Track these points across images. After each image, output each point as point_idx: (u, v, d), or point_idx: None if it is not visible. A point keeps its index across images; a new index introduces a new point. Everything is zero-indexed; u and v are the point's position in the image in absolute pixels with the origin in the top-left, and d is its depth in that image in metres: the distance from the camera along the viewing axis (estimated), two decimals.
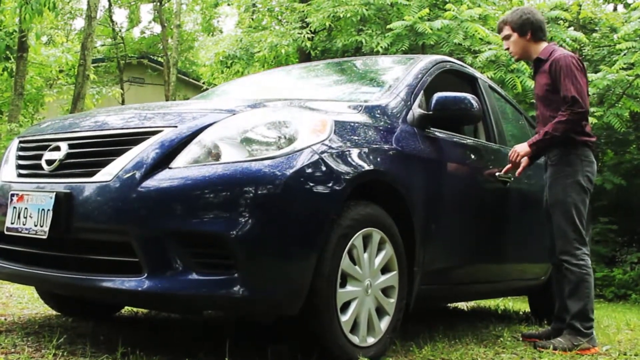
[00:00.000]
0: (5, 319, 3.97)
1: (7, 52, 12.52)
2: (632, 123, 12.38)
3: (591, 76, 9.97)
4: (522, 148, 4.42)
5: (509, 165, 4.51)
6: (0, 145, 11.83)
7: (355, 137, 3.25)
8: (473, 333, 4.61)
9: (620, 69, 10.30)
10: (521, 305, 7.51)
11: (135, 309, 4.58)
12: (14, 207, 3.12)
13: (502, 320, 5.68)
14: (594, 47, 12.53)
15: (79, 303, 4.06)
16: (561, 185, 4.26)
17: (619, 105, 10.84)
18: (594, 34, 12.92)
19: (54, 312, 4.27)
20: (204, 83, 17.18)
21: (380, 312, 3.33)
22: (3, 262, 3.31)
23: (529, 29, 4.46)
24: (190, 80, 25.51)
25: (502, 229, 4.77)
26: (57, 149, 3.17)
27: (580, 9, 12.27)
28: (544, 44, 4.49)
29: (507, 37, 4.58)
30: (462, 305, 7.11)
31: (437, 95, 3.90)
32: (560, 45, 4.59)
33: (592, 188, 4.33)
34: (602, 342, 4.65)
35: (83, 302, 4.05)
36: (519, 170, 4.53)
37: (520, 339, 4.56)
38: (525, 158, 4.47)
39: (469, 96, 3.92)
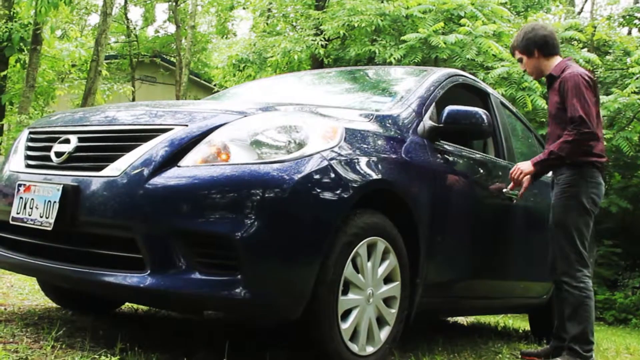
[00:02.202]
0: (5, 309, 3.97)
1: (21, 44, 12.56)
2: None
3: (602, 99, 9.97)
4: (526, 166, 4.36)
5: (512, 184, 4.47)
6: (9, 136, 11.87)
7: (365, 146, 3.25)
8: (472, 348, 4.60)
9: (632, 92, 10.29)
10: (521, 323, 7.50)
11: (135, 306, 4.58)
12: (21, 197, 3.13)
13: (501, 337, 5.67)
14: (607, 69, 12.52)
15: (80, 297, 4.06)
16: (564, 205, 4.23)
17: (629, 129, 10.83)
18: (608, 57, 12.92)
19: (54, 305, 4.27)
20: (215, 85, 17.21)
21: (381, 321, 3.32)
22: (7, 252, 3.31)
23: (534, 47, 4.45)
24: (202, 81, 25.57)
25: (506, 246, 4.75)
26: (67, 141, 3.17)
27: (595, 31, 12.25)
28: (556, 59, 4.45)
29: (520, 61, 4.60)
30: (462, 320, 7.09)
31: (449, 108, 3.89)
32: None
33: (596, 210, 4.29)
34: None
35: (83, 297, 4.04)
36: (521, 190, 4.52)
37: (519, 356, 4.55)
38: (528, 177, 4.44)
39: (480, 111, 3.92)
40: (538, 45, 4.44)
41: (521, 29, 4.63)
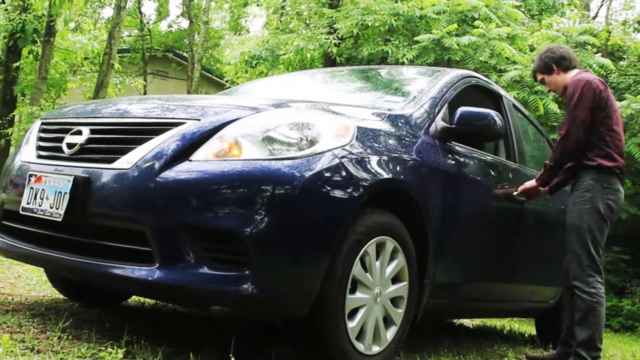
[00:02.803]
0: (13, 299, 3.98)
1: (35, 36, 12.59)
2: None
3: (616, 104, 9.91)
4: (529, 184, 4.50)
5: (521, 188, 4.52)
6: (20, 127, 11.91)
7: (377, 145, 3.24)
8: (477, 351, 4.59)
9: None
10: (527, 327, 7.48)
11: (142, 300, 4.59)
12: (31, 188, 3.13)
13: (507, 341, 5.65)
14: (621, 75, 12.45)
15: (87, 289, 4.07)
16: (578, 210, 4.23)
17: None
18: (622, 62, 12.84)
19: (61, 296, 4.28)
20: (227, 81, 17.20)
21: (388, 321, 3.31)
22: (16, 242, 3.32)
23: (553, 63, 4.55)
24: (214, 77, 25.57)
25: (515, 249, 4.74)
26: (79, 133, 3.18)
27: (609, 36, 12.19)
28: (574, 71, 4.48)
29: (542, 82, 4.69)
30: (468, 322, 7.08)
31: (461, 109, 3.88)
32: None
33: (612, 216, 4.27)
34: None
35: (90, 289, 4.05)
36: (532, 199, 4.60)
37: None
38: (540, 190, 4.51)
39: (492, 113, 3.91)
40: (555, 60, 4.53)
41: (537, 54, 4.77)
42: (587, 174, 4.23)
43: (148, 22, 29.65)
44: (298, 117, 3.02)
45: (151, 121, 3.06)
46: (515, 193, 4.51)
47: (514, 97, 9.91)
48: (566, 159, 4.29)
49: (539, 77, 4.66)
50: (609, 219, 4.25)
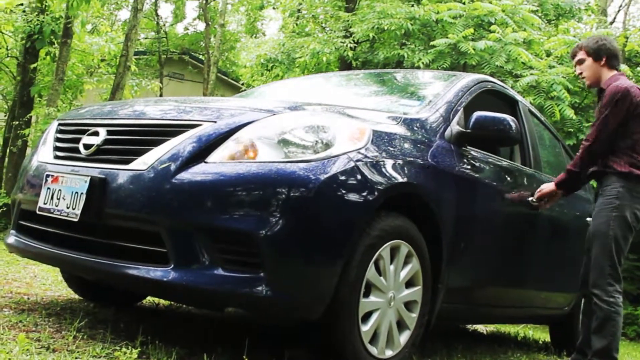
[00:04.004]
0: (29, 299, 4.01)
1: (52, 37, 12.65)
2: None
3: None
4: (547, 187, 4.47)
5: (537, 194, 4.50)
6: (37, 128, 11.96)
7: (392, 148, 3.24)
8: (491, 356, 4.58)
9: None
10: (541, 334, 7.44)
11: (156, 300, 4.61)
12: (48, 188, 3.16)
13: (520, 347, 5.63)
14: (638, 80, 12.38)
15: (102, 289, 4.09)
16: (605, 217, 4.17)
17: None
18: (639, 68, 12.78)
19: (77, 296, 4.31)
20: (242, 84, 17.22)
21: (401, 325, 3.31)
22: (33, 241, 3.35)
23: (605, 54, 4.41)
24: (229, 80, 25.62)
25: (529, 255, 4.72)
26: (96, 134, 3.20)
27: (626, 42, 12.13)
28: (613, 72, 4.43)
29: (580, 62, 4.51)
30: (481, 328, 7.06)
31: (477, 114, 3.87)
32: None
33: (638, 226, 4.24)
34: None
35: (106, 289, 4.07)
36: (548, 204, 4.56)
37: None
38: (557, 193, 4.48)
39: (508, 118, 3.90)
40: (608, 54, 4.42)
41: (593, 36, 4.64)
42: (617, 180, 4.16)
43: (164, 25, 29.76)
44: (313, 120, 3.03)
45: (167, 123, 3.08)
46: (531, 198, 4.49)
47: (530, 103, 9.87)
48: (588, 165, 4.24)
49: (581, 56, 4.50)
50: (635, 228, 4.20)
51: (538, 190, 4.47)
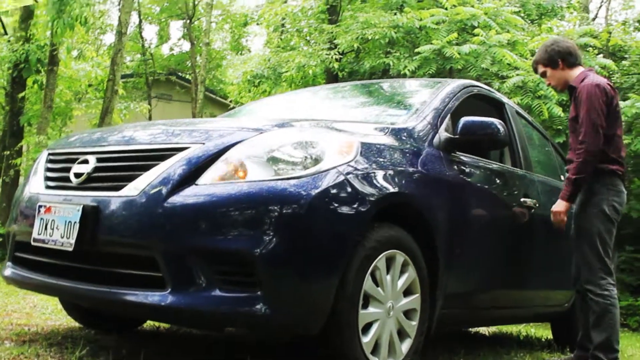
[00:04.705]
0: (29, 329, 4.00)
1: (38, 65, 12.68)
2: None
3: (620, 104, 9.91)
4: (561, 206, 4.33)
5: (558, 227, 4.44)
6: (29, 157, 11.97)
7: (381, 159, 3.26)
8: (494, 358, 4.58)
9: None
10: (543, 331, 7.44)
11: (157, 324, 4.60)
12: (41, 219, 3.16)
13: (524, 347, 5.63)
14: (623, 74, 12.45)
15: (102, 316, 4.09)
16: (586, 214, 4.23)
17: None
18: (624, 62, 12.85)
19: (77, 324, 4.30)
20: (231, 101, 17.27)
21: (402, 334, 3.32)
22: (29, 273, 3.35)
23: (558, 57, 4.44)
24: (218, 98, 25.63)
25: (526, 255, 4.73)
26: (86, 162, 3.21)
27: (610, 37, 12.21)
28: (579, 69, 4.46)
29: (544, 75, 4.58)
30: (484, 330, 7.06)
31: (464, 119, 3.89)
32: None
33: (618, 218, 4.28)
34: None
35: (106, 315, 4.07)
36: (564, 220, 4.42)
37: None
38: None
39: (495, 121, 3.92)
40: (562, 55, 4.45)
41: (542, 45, 4.64)
42: (591, 177, 4.22)
43: (150, 47, 29.76)
44: (301, 136, 3.05)
45: (156, 147, 3.09)
46: (523, 199, 4.51)
47: (518, 103, 9.91)
48: (591, 167, 4.18)
49: (541, 69, 4.57)
50: (616, 220, 4.25)
51: (553, 215, 4.37)
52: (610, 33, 12.47)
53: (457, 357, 4.27)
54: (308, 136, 3.06)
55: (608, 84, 4.29)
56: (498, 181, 4.42)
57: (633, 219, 11.40)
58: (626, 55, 12.95)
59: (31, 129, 13.83)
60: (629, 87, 11.99)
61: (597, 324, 4.15)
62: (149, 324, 4.60)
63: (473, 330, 6.88)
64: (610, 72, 11.55)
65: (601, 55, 11.86)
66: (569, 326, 5.57)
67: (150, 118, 22.26)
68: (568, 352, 5.20)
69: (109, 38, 35.02)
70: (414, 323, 3.38)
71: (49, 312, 4.90)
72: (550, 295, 5.30)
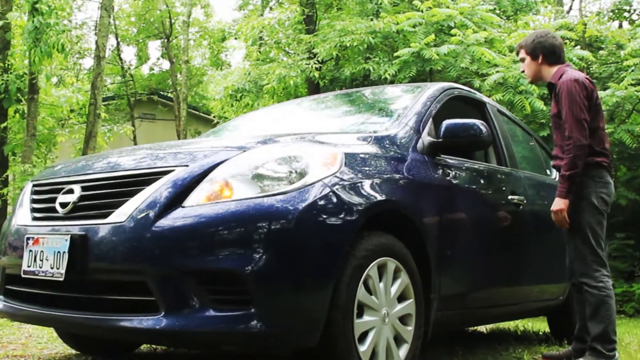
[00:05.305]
0: None
1: (19, 95, 12.65)
2: None
3: (600, 94, 9.96)
4: (560, 204, 4.24)
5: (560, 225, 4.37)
6: (15, 186, 11.92)
7: (366, 169, 3.27)
8: (493, 356, 4.59)
9: (628, 85, 10.29)
10: (540, 325, 7.46)
11: (154, 346, 4.59)
12: (30, 251, 3.16)
13: (521, 342, 5.64)
14: (601, 64, 12.52)
15: (98, 342, 4.08)
16: (575, 207, 4.24)
17: (629, 121, 10.82)
18: (601, 52, 12.92)
19: (74, 351, 4.28)
20: (214, 117, 17.27)
21: (399, 340, 3.32)
22: (22, 305, 3.34)
23: (540, 52, 4.47)
24: (201, 114, 25.63)
25: (517, 251, 4.75)
26: (71, 191, 3.21)
27: (585, 28, 12.28)
28: (556, 67, 4.48)
29: (522, 60, 4.60)
30: (481, 327, 7.06)
31: (446, 122, 3.91)
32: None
33: (607, 209, 4.30)
34: None
35: (102, 341, 4.06)
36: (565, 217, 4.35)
37: None
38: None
39: (477, 122, 3.93)
40: (545, 51, 4.47)
41: (534, 32, 4.65)
42: None
43: (129, 68, 29.75)
44: (285, 152, 3.06)
45: (141, 172, 3.09)
46: (510, 197, 4.53)
47: (500, 99, 9.96)
48: (582, 160, 4.16)
49: (522, 54, 4.58)
50: (605, 211, 4.27)
51: (553, 214, 4.36)
52: (585, 25, 12.54)
53: (457, 359, 4.27)
54: (291, 151, 3.07)
55: (587, 78, 4.32)
56: (484, 181, 4.44)
57: (622, 207, 11.45)
58: (603, 46, 13.02)
59: (16, 158, 13.79)
60: (607, 77, 12.05)
61: (593, 315, 4.17)
62: (146, 345, 4.58)
63: (470, 328, 6.89)
64: (589, 63, 11.62)
65: (578, 47, 11.91)
66: (565, 319, 5.58)
67: (134, 139, 22.25)
68: (566, 345, 5.21)
69: (88, 62, 34.97)
70: (410, 328, 3.39)
71: (44, 341, 4.88)
72: (545, 289, 5.31)
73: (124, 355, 4.21)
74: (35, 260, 3.12)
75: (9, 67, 12.76)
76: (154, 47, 45.78)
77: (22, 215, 3.52)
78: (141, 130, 24.05)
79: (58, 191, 3.29)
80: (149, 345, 4.60)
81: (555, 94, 4.33)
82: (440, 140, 3.89)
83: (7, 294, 3.51)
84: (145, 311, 2.81)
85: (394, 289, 3.29)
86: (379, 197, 3.21)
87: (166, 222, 2.81)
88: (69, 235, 2.98)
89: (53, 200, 3.28)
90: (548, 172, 5.79)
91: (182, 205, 2.85)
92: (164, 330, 2.74)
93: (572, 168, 4.15)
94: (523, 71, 4.64)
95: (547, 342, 5.62)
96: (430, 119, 4.08)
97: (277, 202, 2.81)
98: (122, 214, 2.91)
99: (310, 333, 2.87)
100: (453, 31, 11.15)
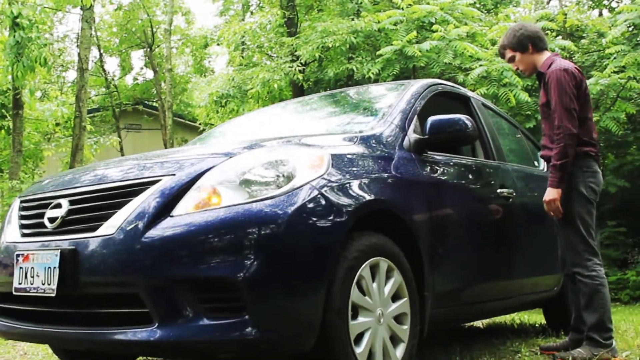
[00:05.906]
0: None
1: (3, 111, 12.60)
2: (629, 125, 12.39)
3: None
4: (552, 194, 4.24)
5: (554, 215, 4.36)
6: (3, 203, 11.87)
7: (354, 169, 3.26)
8: (490, 351, 4.59)
9: (611, 72, 10.34)
10: (536, 317, 7.47)
11: (149, 358, 4.56)
12: (21, 268, 3.13)
13: (518, 335, 5.65)
14: (584, 53, 12.58)
15: (94, 356, 4.05)
16: (564, 198, 4.24)
17: (615, 109, 10.87)
18: (582, 41, 12.98)
19: None
20: (200, 124, 17.25)
21: (395, 340, 3.31)
22: (15, 323, 3.32)
23: (528, 41, 4.47)
24: (187, 122, 25.61)
25: (509, 245, 4.75)
26: (59, 206, 3.19)
27: (566, 18, 12.33)
28: (546, 54, 4.50)
29: (511, 59, 4.59)
30: (477, 322, 7.07)
31: (431, 119, 3.90)
32: None
33: (596, 198, 4.31)
34: (622, 347, 4.61)
35: (97, 355, 4.03)
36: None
37: (539, 352, 4.53)
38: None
39: (462, 117, 3.93)
40: (531, 40, 4.48)
41: (509, 29, 4.64)
42: None
43: (113, 79, 29.66)
44: (271, 156, 3.05)
45: (128, 183, 3.07)
46: (499, 190, 4.53)
47: (484, 93, 9.98)
48: (572, 149, 4.17)
49: (509, 54, 4.57)
50: (594, 200, 4.28)
51: (546, 205, 4.30)
52: (565, 14, 12.59)
53: (454, 356, 4.27)
54: (278, 155, 3.06)
55: (576, 68, 4.33)
56: (472, 175, 4.44)
57: (612, 194, 11.51)
58: (584, 34, 13.09)
59: (3, 175, 13.74)
60: (590, 65, 12.11)
61: (588, 305, 4.18)
62: (142, 358, 4.56)
63: (467, 324, 6.89)
64: (571, 53, 11.67)
65: (559, 37, 11.96)
66: (560, 310, 5.59)
67: (121, 149, 22.19)
68: (563, 336, 5.21)
69: (72, 75, 34.85)
70: (406, 327, 3.38)
71: (39, 358, 4.86)
72: (539, 281, 5.31)
73: None
74: (26, 277, 3.09)
75: None
76: (137, 57, 45.74)
77: (10, 233, 3.49)
78: (128, 141, 24.00)
79: (46, 206, 3.27)
80: (144, 358, 4.57)
81: (545, 84, 4.34)
82: (426, 137, 3.88)
83: (0, 313, 3.48)
84: (139, 323, 2.79)
85: (388, 289, 3.28)
86: (368, 197, 3.21)
87: (155, 232, 2.79)
88: (59, 250, 2.96)
89: (41, 215, 3.26)
90: (536, 163, 5.80)
91: (171, 214, 2.83)
92: (159, 341, 2.72)
93: (563, 157, 4.15)
94: (517, 69, 4.61)
95: (543, 334, 5.62)
96: (416, 116, 4.08)
97: (265, 207, 2.79)
98: (111, 226, 2.90)
99: (305, 337, 2.85)
100: (434, 27, 11.19)
